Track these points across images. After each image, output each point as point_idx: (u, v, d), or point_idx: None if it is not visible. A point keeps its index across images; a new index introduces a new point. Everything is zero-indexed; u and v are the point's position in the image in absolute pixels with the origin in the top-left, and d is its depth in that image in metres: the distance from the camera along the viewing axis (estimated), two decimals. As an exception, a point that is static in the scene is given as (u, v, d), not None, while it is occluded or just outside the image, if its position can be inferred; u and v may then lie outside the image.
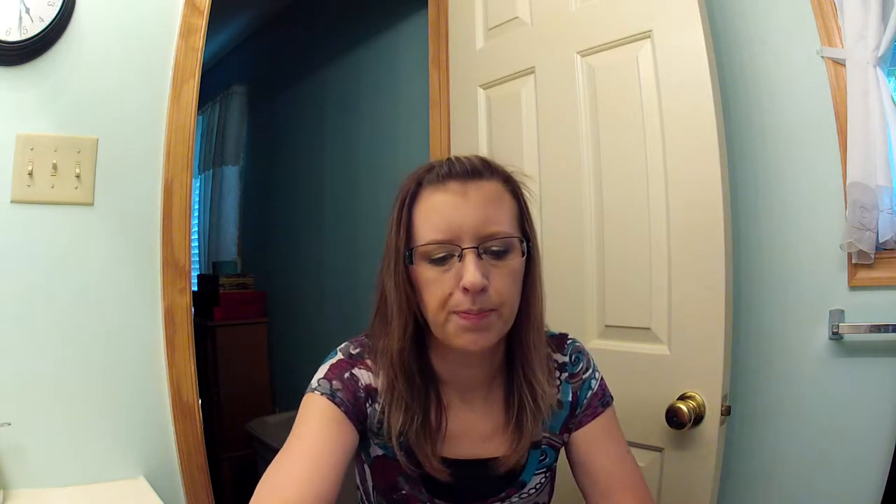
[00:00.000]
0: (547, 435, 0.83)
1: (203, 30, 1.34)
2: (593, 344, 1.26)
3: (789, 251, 1.23)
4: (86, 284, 1.22)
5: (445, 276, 0.70)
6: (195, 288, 3.28)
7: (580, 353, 0.88)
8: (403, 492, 0.81)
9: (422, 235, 0.71)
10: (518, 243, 0.72)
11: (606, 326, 1.25)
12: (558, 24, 1.36)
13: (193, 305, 1.37)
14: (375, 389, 0.79)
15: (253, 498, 0.68)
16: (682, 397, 1.10)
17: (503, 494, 0.81)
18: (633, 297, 1.20)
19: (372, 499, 0.85)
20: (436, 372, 0.80)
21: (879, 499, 1.08)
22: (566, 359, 0.86)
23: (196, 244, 3.97)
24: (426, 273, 0.71)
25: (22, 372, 1.15)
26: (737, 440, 1.25)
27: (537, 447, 0.82)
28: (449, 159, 0.74)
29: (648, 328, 1.18)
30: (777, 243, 1.25)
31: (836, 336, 1.15)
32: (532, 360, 0.78)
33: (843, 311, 1.15)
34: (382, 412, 0.78)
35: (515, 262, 0.72)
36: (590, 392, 0.86)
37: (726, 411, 1.08)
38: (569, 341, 0.89)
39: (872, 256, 1.11)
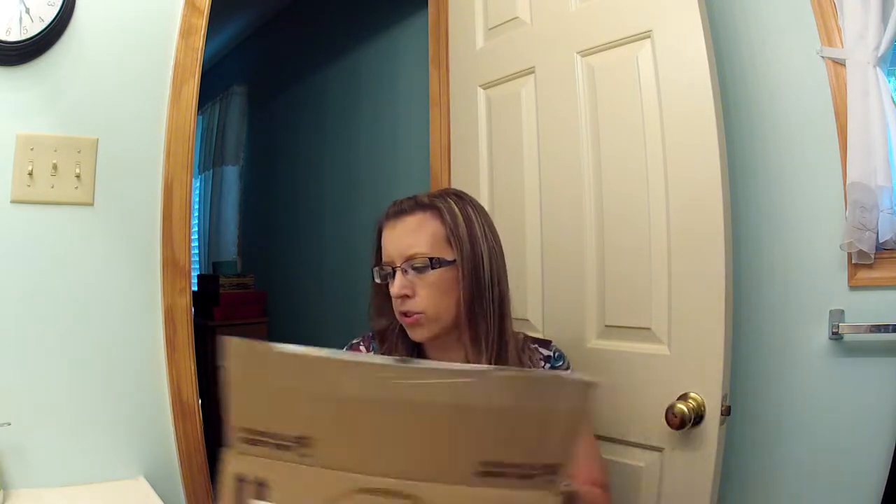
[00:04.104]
0: None
1: (203, 30, 1.34)
2: (593, 344, 1.26)
3: (789, 251, 1.23)
4: (86, 284, 1.22)
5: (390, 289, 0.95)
6: (195, 288, 3.28)
7: (562, 354, 1.05)
8: None
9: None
10: (435, 261, 0.92)
11: (606, 326, 1.25)
12: (558, 24, 1.36)
13: (193, 305, 1.37)
14: None
15: None
16: (682, 397, 1.10)
17: None
18: (633, 297, 1.20)
19: None
20: (425, 352, 1.02)
21: (880, 499, 1.08)
22: (550, 353, 1.03)
23: (196, 244, 3.97)
24: (384, 286, 0.98)
25: (22, 372, 1.15)
26: (737, 440, 1.25)
27: None
28: (393, 202, 0.99)
29: (648, 328, 1.18)
30: (777, 243, 1.25)
31: (836, 336, 1.15)
32: (474, 351, 0.96)
33: (843, 311, 1.15)
34: None
35: (434, 275, 0.93)
36: None
37: (726, 411, 1.08)
38: (553, 344, 1.06)
39: (872, 256, 1.11)
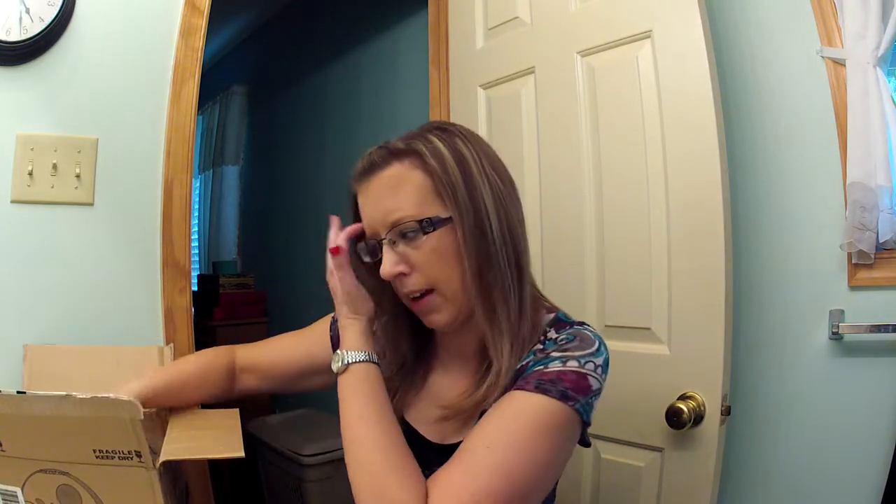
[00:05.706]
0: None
1: (203, 30, 1.34)
2: (593, 344, 1.26)
3: (789, 251, 1.23)
4: (85, 284, 1.22)
5: None
6: (195, 288, 3.28)
7: (573, 338, 0.75)
8: None
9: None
10: (426, 223, 0.71)
11: (606, 326, 1.25)
12: (558, 24, 1.36)
13: (193, 305, 1.37)
14: None
15: None
16: (682, 397, 1.10)
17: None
18: (633, 297, 1.20)
19: None
20: (433, 337, 0.85)
21: (880, 498, 1.08)
22: (555, 336, 0.76)
23: (196, 244, 3.97)
24: (374, 266, 0.77)
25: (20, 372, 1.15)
26: (737, 440, 1.25)
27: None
28: (362, 157, 0.77)
29: (648, 328, 1.18)
30: (777, 243, 1.25)
31: (836, 336, 1.15)
32: (491, 331, 0.74)
33: (843, 311, 1.15)
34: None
35: (432, 240, 0.72)
36: (539, 367, 0.71)
37: (726, 411, 1.08)
38: (575, 327, 0.77)
39: (872, 256, 1.11)
